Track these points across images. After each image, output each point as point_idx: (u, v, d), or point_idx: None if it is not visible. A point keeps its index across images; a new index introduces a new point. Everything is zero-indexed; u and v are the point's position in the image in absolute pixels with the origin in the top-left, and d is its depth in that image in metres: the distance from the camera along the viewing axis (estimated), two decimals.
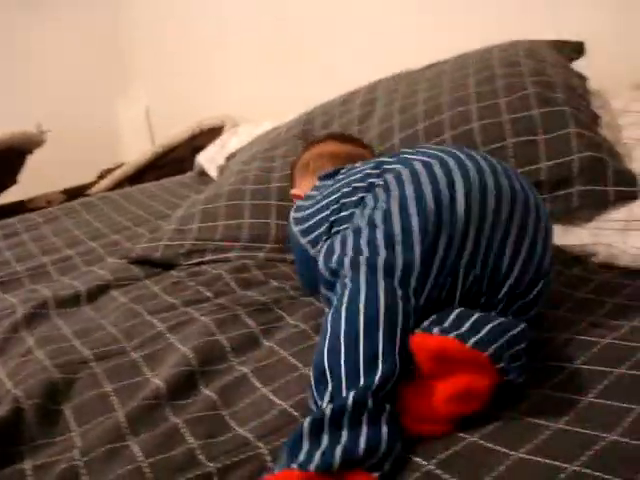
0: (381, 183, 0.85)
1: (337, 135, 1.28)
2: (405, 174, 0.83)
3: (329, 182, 1.00)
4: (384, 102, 1.39)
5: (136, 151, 2.51)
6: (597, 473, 0.56)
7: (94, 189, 2.38)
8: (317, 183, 1.06)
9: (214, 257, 1.24)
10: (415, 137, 1.24)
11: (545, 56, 1.32)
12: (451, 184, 0.79)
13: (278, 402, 0.77)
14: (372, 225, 0.80)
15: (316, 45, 2.03)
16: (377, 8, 1.86)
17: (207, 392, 0.82)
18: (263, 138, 1.61)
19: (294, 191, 1.19)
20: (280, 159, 1.43)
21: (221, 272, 1.16)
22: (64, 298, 1.12)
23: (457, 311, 0.72)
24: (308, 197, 1.04)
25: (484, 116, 1.18)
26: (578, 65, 1.37)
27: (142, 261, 1.26)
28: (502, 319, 0.71)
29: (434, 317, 0.72)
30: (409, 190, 0.80)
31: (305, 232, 0.99)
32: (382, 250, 0.77)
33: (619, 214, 1.03)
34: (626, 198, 1.03)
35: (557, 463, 0.58)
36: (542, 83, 1.20)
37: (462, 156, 0.83)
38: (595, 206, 1.05)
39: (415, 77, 1.41)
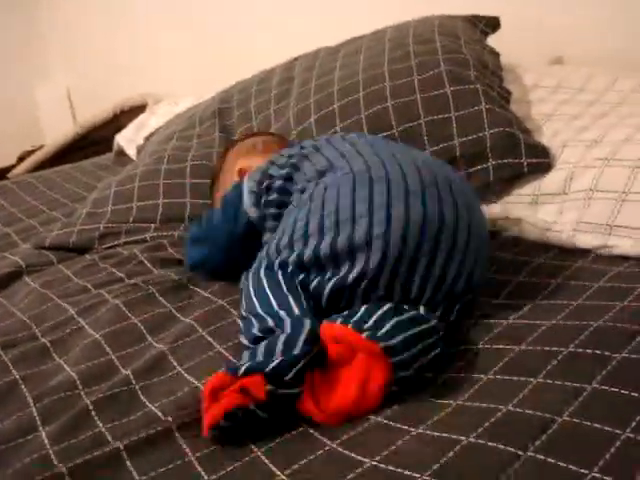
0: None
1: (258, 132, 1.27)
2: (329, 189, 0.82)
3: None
4: (301, 80, 1.37)
5: (58, 133, 2.43)
6: (491, 443, 0.58)
7: (14, 172, 2.30)
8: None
9: (129, 239, 1.22)
10: (332, 117, 1.22)
11: (459, 32, 1.33)
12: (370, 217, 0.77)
13: (191, 380, 0.77)
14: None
15: (235, 21, 2.00)
16: None
17: (125, 372, 0.81)
18: (180, 117, 1.58)
19: (242, 165, 1.11)
20: (196, 138, 1.41)
21: (135, 252, 1.15)
22: None
23: (367, 305, 0.73)
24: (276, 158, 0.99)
25: (398, 95, 1.18)
26: (493, 39, 1.39)
27: (56, 247, 1.23)
28: (412, 313, 0.72)
29: (346, 312, 0.73)
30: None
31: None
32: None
33: (528, 188, 1.05)
34: (539, 170, 1.05)
35: (455, 436, 0.59)
36: (455, 61, 1.20)
37: (390, 172, 0.81)
38: (510, 178, 1.07)
39: (332, 54, 1.39)
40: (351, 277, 0.75)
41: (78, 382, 0.80)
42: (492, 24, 1.43)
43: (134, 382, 0.79)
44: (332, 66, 1.34)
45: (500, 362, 0.71)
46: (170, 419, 0.70)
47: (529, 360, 0.70)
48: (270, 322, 0.74)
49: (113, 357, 0.85)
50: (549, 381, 0.65)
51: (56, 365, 0.86)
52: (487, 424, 0.60)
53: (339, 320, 0.70)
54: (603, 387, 0.62)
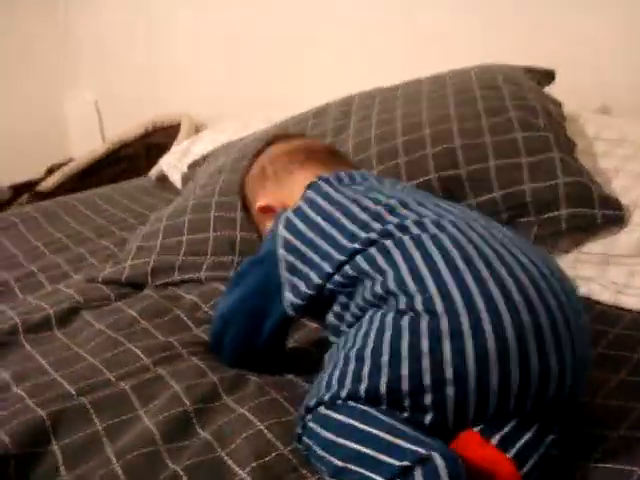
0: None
1: (280, 135, 1.15)
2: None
3: (342, 189, 0.87)
4: (359, 116, 1.37)
5: (85, 147, 2.42)
6: None
7: (43, 184, 2.29)
8: (311, 188, 0.90)
9: (183, 276, 1.21)
10: (394, 151, 1.22)
11: (521, 80, 1.33)
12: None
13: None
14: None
15: (283, 46, 1.99)
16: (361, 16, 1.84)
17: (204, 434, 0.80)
18: (230, 147, 1.57)
19: (261, 202, 1.02)
20: None
21: (194, 299, 1.13)
22: (33, 322, 1.06)
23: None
24: (310, 202, 0.87)
25: (466, 136, 1.17)
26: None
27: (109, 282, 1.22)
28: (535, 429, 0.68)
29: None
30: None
31: (300, 252, 0.84)
32: None
33: (599, 247, 1.05)
34: (612, 222, 1.05)
35: None
36: (523, 107, 1.20)
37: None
38: (583, 229, 1.07)
39: (390, 93, 1.39)
40: None
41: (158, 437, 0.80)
42: (548, 76, 1.43)
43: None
44: (393, 105, 1.34)
45: None
46: None
47: None
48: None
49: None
50: None
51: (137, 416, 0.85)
52: None
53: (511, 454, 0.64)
54: None
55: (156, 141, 2.25)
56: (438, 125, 1.21)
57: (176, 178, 1.67)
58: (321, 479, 0.71)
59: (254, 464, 0.74)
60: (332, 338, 0.83)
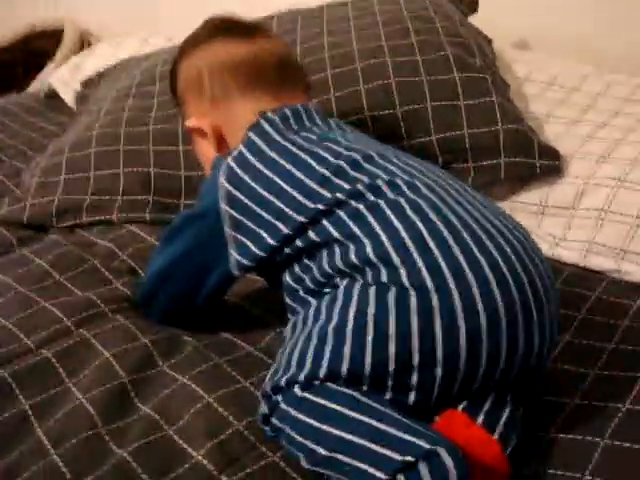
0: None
1: (230, 27, 0.92)
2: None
3: (282, 138, 0.79)
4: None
5: None
6: None
7: None
8: (254, 130, 0.81)
9: (93, 218, 1.10)
10: (324, 84, 1.13)
11: (451, 12, 1.27)
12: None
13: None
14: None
15: None
16: None
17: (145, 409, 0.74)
18: (133, 67, 1.42)
19: (192, 122, 0.89)
20: (158, 97, 1.27)
21: (109, 245, 1.04)
22: None
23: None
24: (254, 149, 0.79)
25: (402, 73, 1.11)
26: None
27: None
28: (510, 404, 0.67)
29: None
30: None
31: (248, 210, 0.76)
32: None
33: (535, 197, 1.04)
34: (550, 172, 1.04)
35: None
36: (458, 44, 1.15)
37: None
38: (521, 178, 1.05)
39: (314, 18, 1.29)
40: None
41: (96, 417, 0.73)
42: (471, 5, 1.38)
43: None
44: (317, 31, 1.24)
45: None
46: None
47: None
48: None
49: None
50: None
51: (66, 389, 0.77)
52: None
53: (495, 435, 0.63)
54: None
55: (39, 47, 2.02)
56: (371, 59, 1.14)
57: (68, 96, 1.50)
58: (285, 458, 0.67)
59: (209, 444, 0.69)
60: (287, 300, 0.78)
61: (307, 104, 0.87)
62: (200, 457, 0.68)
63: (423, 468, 0.55)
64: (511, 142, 1.05)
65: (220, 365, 0.80)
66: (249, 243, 0.76)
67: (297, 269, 0.74)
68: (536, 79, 1.21)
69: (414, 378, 0.63)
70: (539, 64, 1.26)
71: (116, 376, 0.78)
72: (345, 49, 1.17)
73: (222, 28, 0.91)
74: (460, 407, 0.65)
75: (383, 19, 1.22)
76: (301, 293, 0.74)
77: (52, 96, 1.56)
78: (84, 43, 2.04)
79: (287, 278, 0.76)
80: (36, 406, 0.75)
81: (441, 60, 1.12)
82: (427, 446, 0.56)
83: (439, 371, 0.63)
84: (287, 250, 0.74)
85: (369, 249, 0.67)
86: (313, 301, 0.72)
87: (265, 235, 0.75)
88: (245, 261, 0.77)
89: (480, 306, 0.63)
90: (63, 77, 1.54)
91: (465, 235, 0.67)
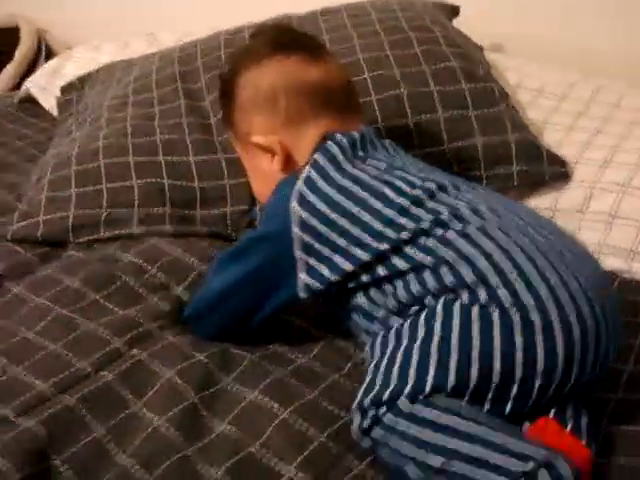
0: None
1: (293, 43, 0.92)
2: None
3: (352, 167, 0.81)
4: None
5: None
6: None
7: None
8: (323, 153, 0.82)
9: (111, 233, 1.09)
10: None
11: (443, 20, 1.32)
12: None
13: None
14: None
15: None
16: None
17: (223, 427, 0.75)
18: (120, 72, 1.39)
19: (260, 139, 0.88)
20: (159, 105, 1.26)
21: (131, 258, 1.03)
22: None
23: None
24: (323, 173, 0.80)
25: (410, 84, 1.14)
26: None
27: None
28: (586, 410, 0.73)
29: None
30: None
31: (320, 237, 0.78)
32: None
33: (546, 201, 1.10)
34: (558, 178, 1.10)
35: None
36: (461, 55, 1.19)
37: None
38: (532, 185, 1.11)
39: (313, 23, 1.30)
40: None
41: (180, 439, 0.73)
42: (453, 11, 1.43)
43: None
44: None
45: None
46: None
47: None
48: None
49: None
50: None
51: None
52: None
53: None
54: None
55: None
56: (378, 69, 1.17)
57: (48, 102, 1.46)
58: (371, 467, 0.70)
59: (297, 459, 0.71)
60: (360, 320, 0.81)
61: (368, 129, 0.89)
62: (293, 472, 0.70)
63: (543, 476, 0.59)
64: (521, 151, 1.10)
65: (282, 378, 0.82)
66: (322, 267, 0.79)
67: (373, 292, 0.77)
68: (528, 86, 1.27)
69: (514, 390, 0.67)
70: (527, 71, 1.32)
71: (184, 395, 0.78)
72: (350, 59, 1.20)
73: (283, 43, 0.90)
74: (551, 414, 0.70)
75: (383, 27, 1.25)
76: (381, 313, 0.77)
77: (26, 100, 1.52)
78: (41, 41, 1.98)
79: (360, 300, 0.79)
80: (110, 432, 0.74)
81: (448, 70, 1.16)
82: (544, 456, 0.60)
83: (537, 383, 0.67)
84: (363, 275, 0.77)
85: (465, 271, 0.71)
86: (397, 320, 0.75)
87: (340, 260, 0.78)
88: (316, 284, 0.79)
89: (574, 320, 0.68)
90: (40, 82, 1.49)
91: (551, 256, 0.72)
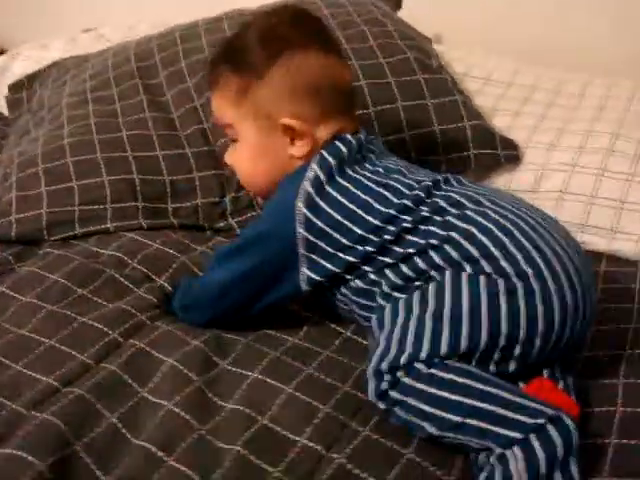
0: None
1: (324, 38, 0.92)
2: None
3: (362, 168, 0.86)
4: None
5: None
6: None
7: None
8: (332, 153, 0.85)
9: (86, 229, 1.10)
10: None
11: (392, 14, 1.38)
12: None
13: None
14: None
15: None
16: None
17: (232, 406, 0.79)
18: (72, 69, 1.38)
19: (291, 122, 0.87)
20: (120, 102, 1.27)
21: (113, 253, 1.04)
22: None
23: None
24: (329, 175, 0.84)
25: (370, 75, 1.20)
26: None
27: None
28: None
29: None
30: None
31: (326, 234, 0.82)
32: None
33: (500, 183, 1.18)
34: (510, 160, 1.18)
35: None
36: (415, 47, 1.26)
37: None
38: (487, 168, 1.19)
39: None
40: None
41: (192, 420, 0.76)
42: (397, 4, 1.50)
43: None
44: None
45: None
46: None
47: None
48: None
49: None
50: None
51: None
52: None
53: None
54: None
55: None
56: None
57: None
58: (375, 430, 0.75)
59: (307, 429, 0.75)
60: (361, 300, 0.85)
61: (365, 130, 0.93)
62: (305, 440, 0.74)
63: (551, 429, 0.67)
64: (477, 136, 1.18)
65: (279, 357, 0.86)
66: (325, 262, 0.84)
67: (375, 276, 0.82)
68: (476, 75, 1.35)
69: (517, 350, 0.75)
70: (472, 61, 1.39)
71: (189, 379, 0.81)
72: None
73: (325, 39, 0.92)
74: (544, 375, 0.78)
75: (337, 22, 1.30)
76: (384, 289, 0.82)
77: None
78: None
79: (359, 283, 0.84)
80: (122, 419, 0.76)
81: (403, 62, 1.22)
82: (551, 411, 0.68)
83: (537, 342, 0.75)
84: (366, 265, 0.83)
85: (469, 246, 0.78)
86: (400, 295, 0.80)
87: (344, 256, 0.83)
88: (318, 277, 0.84)
89: (567, 288, 0.76)
90: None
91: (542, 233, 0.80)
